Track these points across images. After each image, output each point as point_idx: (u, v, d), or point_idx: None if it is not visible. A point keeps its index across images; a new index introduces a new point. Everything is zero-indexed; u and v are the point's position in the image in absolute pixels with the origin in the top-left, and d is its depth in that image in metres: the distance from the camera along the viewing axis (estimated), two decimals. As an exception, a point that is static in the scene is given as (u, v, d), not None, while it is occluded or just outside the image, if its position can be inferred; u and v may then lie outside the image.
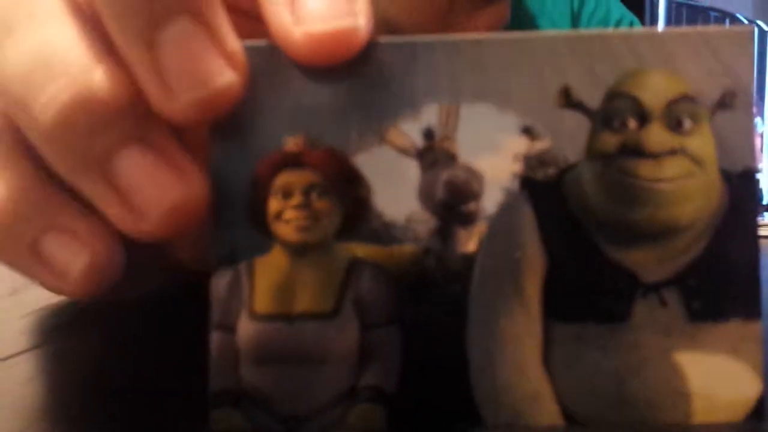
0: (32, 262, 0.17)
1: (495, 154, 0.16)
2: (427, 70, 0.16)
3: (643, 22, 1.84)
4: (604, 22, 0.82)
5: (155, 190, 0.16)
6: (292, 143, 0.16)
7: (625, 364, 0.16)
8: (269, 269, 0.16)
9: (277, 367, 0.16)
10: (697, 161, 0.16)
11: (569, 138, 0.16)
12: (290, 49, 0.16)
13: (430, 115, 0.16)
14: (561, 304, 0.16)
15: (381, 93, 0.16)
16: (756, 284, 0.16)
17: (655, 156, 0.16)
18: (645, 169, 0.16)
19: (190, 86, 0.15)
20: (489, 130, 0.16)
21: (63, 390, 0.20)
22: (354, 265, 0.16)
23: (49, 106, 0.15)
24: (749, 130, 0.16)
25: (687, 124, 0.16)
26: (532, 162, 0.16)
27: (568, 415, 0.16)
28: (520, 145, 0.16)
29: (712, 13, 2.05)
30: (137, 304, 0.23)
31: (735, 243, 0.16)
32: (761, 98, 2.27)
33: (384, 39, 0.16)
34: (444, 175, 0.16)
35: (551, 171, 0.16)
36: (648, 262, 0.16)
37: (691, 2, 2.02)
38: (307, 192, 0.16)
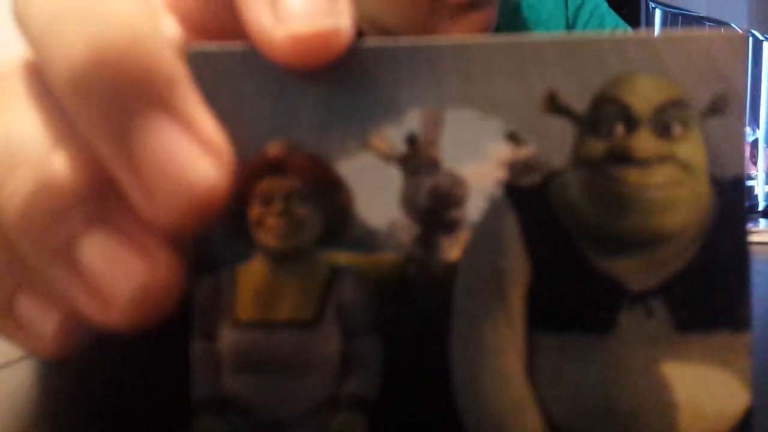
0: (6, 324, 0.17)
1: (479, 161, 0.16)
2: (411, 75, 0.16)
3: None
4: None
5: (120, 276, 0.15)
6: (272, 149, 0.16)
7: (610, 374, 0.16)
8: (251, 276, 0.16)
9: (259, 374, 0.16)
10: (686, 168, 0.16)
11: (555, 144, 0.16)
12: (271, 51, 0.15)
13: (413, 121, 0.16)
14: (545, 314, 0.16)
15: (363, 98, 0.16)
16: (745, 294, 0.15)
17: (642, 163, 0.16)
18: (632, 176, 0.15)
19: (172, 191, 0.14)
20: (473, 136, 0.16)
21: (61, 397, 0.20)
22: (336, 273, 0.16)
23: (12, 198, 0.15)
24: (740, 137, 0.16)
25: (676, 129, 0.16)
26: (517, 168, 0.16)
27: (552, 427, 0.16)
28: (504, 151, 0.16)
29: (708, 23, 2.05)
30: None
31: (724, 252, 0.15)
32: (755, 106, 2.28)
33: (366, 42, 0.16)
34: (427, 182, 0.16)
35: (536, 178, 0.16)
36: (635, 271, 0.16)
37: (687, 12, 2.03)
38: (287, 199, 0.16)
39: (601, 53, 0.16)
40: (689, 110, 0.15)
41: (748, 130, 2.22)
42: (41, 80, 0.16)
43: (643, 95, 0.16)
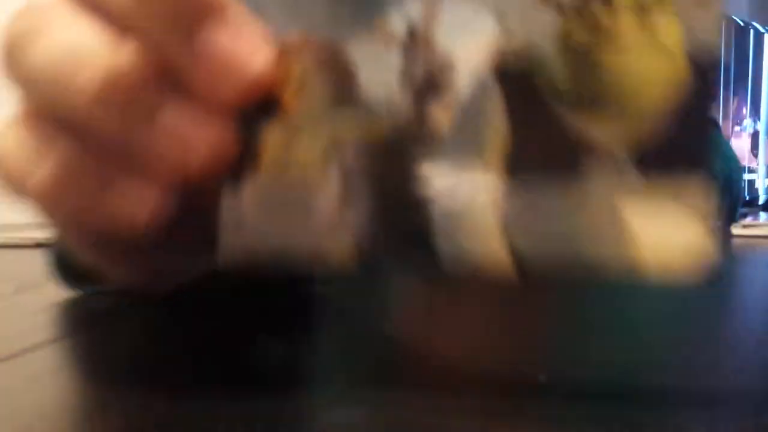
0: (100, 214, 0.19)
1: (471, 44, 0.17)
2: None
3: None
4: None
5: (199, 131, 0.18)
6: (291, 37, 0.18)
7: (576, 216, 0.17)
8: (271, 137, 0.18)
9: (276, 211, 0.18)
10: (662, 46, 0.17)
11: (542, 28, 0.17)
12: None
13: (413, 7, 0.18)
14: (520, 166, 0.17)
15: None
16: (707, 149, 0.17)
17: (620, 42, 0.17)
18: (612, 54, 0.17)
19: (234, 78, 0.18)
20: (467, 20, 0.17)
21: (68, 388, 0.19)
22: (340, 139, 0.18)
23: (86, 89, 0.17)
24: (717, 18, 0.17)
25: (654, 9, 0.17)
26: (505, 51, 0.17)
27: (518, 258, 0.17)
28: (495, 35, 0.17)
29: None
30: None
31: (692, 122, 0.17)
32: (756, 99, 2.28)
33: None
34: (422, 61, 0.18)
35: (523, 61, 0.17)
36: (613, 138, 0.17)
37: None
38: (302, 77, 0.18)
39: None
40: None
41: (748, 121, 2.21)
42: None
43: None
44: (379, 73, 0.18)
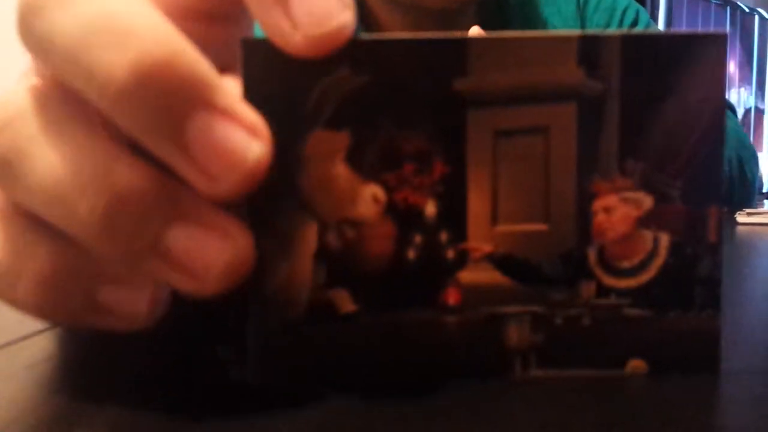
0: (93, 316, 0.18)
1: None
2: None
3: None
4: (611, 10, 0.82)
5: (209, 256, 0.17)
6: None
7: None
8: None
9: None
10: None
11: None
12: (289, 49, 0.17)
13: None
14: None
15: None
16: None
17: None
18: None
19: (228, 169, 0.16)
20: None
21: (64, 375, 0.19)
22: None
23: (90, 217, 0.16)
24: None
25: None
26: None
27: None
28: None
29: (713, 2, 2.05)
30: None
31: None
32: (762, 86, 2.27)
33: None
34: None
35: None
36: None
37: (693, -9, 2.02)
38: None
39: None
40: None
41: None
42: (67, 101, 0.17)
43: None
44: None
